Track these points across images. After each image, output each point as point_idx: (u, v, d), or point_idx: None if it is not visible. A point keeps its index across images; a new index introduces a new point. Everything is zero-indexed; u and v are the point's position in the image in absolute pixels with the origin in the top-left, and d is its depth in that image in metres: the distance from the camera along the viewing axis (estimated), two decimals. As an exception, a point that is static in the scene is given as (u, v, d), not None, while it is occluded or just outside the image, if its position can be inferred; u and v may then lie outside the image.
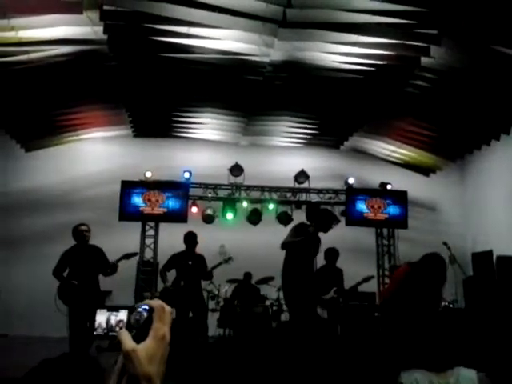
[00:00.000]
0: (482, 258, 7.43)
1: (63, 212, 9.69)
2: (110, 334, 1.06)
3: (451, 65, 7.18)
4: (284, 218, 9.37)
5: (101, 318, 1.04)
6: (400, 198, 9.46)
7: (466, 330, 5.16)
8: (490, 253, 7.28)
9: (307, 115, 9.65)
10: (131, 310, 0.88)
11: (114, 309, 1.08)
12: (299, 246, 5.46)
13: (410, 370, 1.88)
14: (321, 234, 5.89)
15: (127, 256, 6.09)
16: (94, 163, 10.36)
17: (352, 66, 7.46)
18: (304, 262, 5.49)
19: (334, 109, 9.19)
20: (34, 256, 9.37)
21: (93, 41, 6.84)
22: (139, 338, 0.84)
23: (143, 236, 8.71)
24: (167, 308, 0.88)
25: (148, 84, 8.35)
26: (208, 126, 10.28)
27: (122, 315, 1.08)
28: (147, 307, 0.88)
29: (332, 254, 7.01)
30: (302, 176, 9.57)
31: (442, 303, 5.79)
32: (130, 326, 0.87)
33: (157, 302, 0.88)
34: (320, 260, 6.38)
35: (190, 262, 6.41)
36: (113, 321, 1.09)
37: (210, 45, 7.05)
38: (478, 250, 8.18)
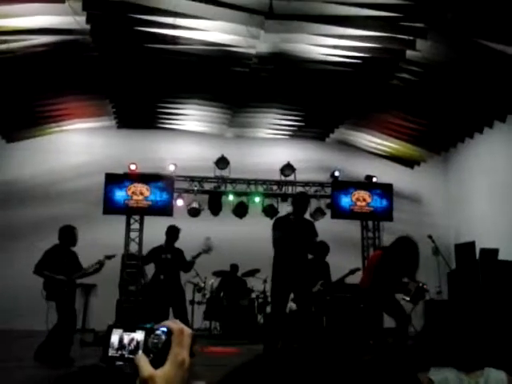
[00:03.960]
0: (465, 250, 7.53)
1: (45, 204, 9.55)
2: (127, 356, 1.00)
3: (436, 58, 7.21)
4: (270, 211, 9.36)
5: (115, 338, 0.99)
6: (385, 190, 9.52)
7: (450, 322, 5.22)
8: (472, 244, 7.39)
9: (293, 107, 9.63)
10: (149, 332, 0.83)
11: (130, 328, 1.03)
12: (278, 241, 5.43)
13: (440, 368, 1.85)
14: None
15: (108, 257, 6.01)
16: (77, 155, 10.20)
17: (338, 58, 7.45)
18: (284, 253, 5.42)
19: (320, 101, 9.18)
20: (13, 248, 9.23)
21: (75, 30, 6.70)
22: (157, 362, 0.79)
23: (128, 229, 8.61)
24: (187, 330, 0.84)
25: (132, 75, 8.22)
26: (193, 117, 10.19)
27: (137, 335, 1.02)
28: (166, 330, 0.82)
29: (321, 248, 7.00)
30: (287, 169, 9.55)
31: (427, 296, 5.85)
32: (147, 349, 0.82)
33: (176, 325, 0.83)
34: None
35: (168, 256, 6.36)
36: (126, 340, 1.04)
37: (196, 36, 6.97)
38: (462, 242, 8.30)
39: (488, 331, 2.09)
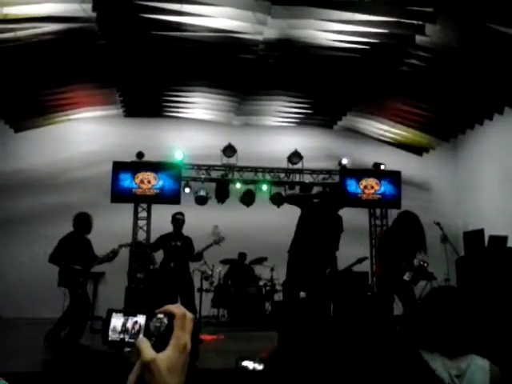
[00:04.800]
0: (474, 237, 7.48)
1: (53, 193, 9.61)
2: (127, 340, 1.01)
3: (446, 43, 7.09)
4: (277, 199, 9.36)
5: (115, 321, 0.99)
6: (393, 178, 9.46)
7: (458, 309, 5.21)
8: (481, 231, 7.33)
9: (301, 94, 9.55)
10: (150, 315, 0.83)
11: (131, 313, 1.04)
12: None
13: (425, 352, 1.87)
14: None
15: (121, 246, 6.05)
16: (84, 143, 10.22)
17: (346, 44, 7.36)
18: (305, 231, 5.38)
19: (328, 88, 9.10)
20: (24, 236, 9.33)
21: (81, 18, 6.66)
22: (159, 346, 0.79)
23: (136, 218, 8.66)
24: (189, 315, 0.83)
25: (139, 63, 8.18)
26: (200, 105, 10.16)
27: (140, 319, 1.03)
28: (168, 313, 0.82)
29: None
30: (295, 156, 9.53)
31: (435, 283, 5.85)
32: (149, 333, 0.81)
33: (178, 309, 0.83)
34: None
35: (178, 243, 6.37)
36: (129, 324, 1.04)
37: (203, 22, 6.91)
38: (470, 229, 8.24)
39: (479, 318, 2.08)
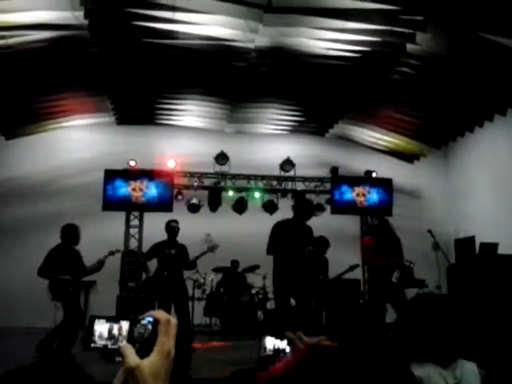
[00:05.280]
0: (465, 245, 7.51)
1: (45, 201, 9.54)
2: (110, 346, 1.00)
3: (436, 51, 7.17)
4: (270, 207, 9.35)
5: (99, 328, 0.97)
6: (385, 185, 9.49)
7: (449, 317, 5.23)
8: (472, 239, 7.36)
9: (293, 102, 9.59)
10: (134, 321, 0.83)
11: (114, 319, 1.02)
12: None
13: (420, 363, 1.85)
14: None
15: (112, 253, 6.03)
16: (76, 151, 10.18)
17: (338, 52, 7.42)
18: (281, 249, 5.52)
19: (320, 96, 9.15)
20: (15, 244, 9.24)
21: (73, 26, 6.67)
22: (143, 352, 0.79)
23: (127, 226, 8.60)
24: (173, 321, 0.83)
25: (131, 70, 8.19)
26: (192, 113, 10.17)
27: (124, 325, 1.01)
28: (152, 319, 0.82)
29: (321, 243, 6.99)
30: (287, 164, 9.54)
31: (427, 291, 5.89)
32: (133, 339, 0.81)
33: (162, 315, 0.83)
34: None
35: (172, 251, 6.33)
36: (114, 331, 1.02)
37: (194, 30, 6.94)
38: (461, 237, 8.28)
39: (469, 324, 2.08)
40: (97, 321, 0.87)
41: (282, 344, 1.34)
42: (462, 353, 1.92)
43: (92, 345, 0.86)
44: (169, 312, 6.00)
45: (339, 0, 6.16)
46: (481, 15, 6.22)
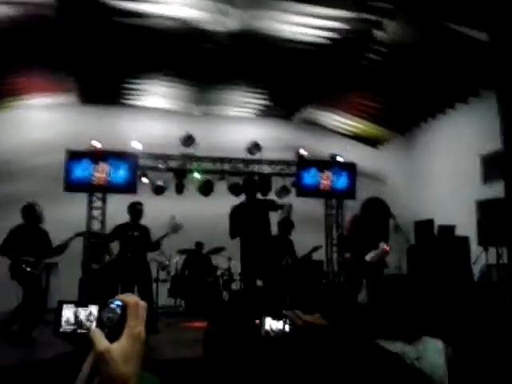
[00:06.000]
0: (424, 227, 7.79)
1: (4, 181, 9.23)
2: (79, 331, 0.98)
3: (403, 39, 7.28)
4: (235, 189, 9.37)
5: (68, 313, 0.95)
6: (349, 169, 9.66)
7: (408, 296, 5.42)
8: (431, 221, 7.64)
9: (261, 85, 9.57)
10: (103, 305, 0.82)
11: (83, 304, 0.99)
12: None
13: (389, 340, 1.90)
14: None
15: (78, 235, 5.94)
16: (38, 130, 9.86)
17: (307, 37, 7.43)
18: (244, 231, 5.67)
19: (288, 80, 9.16)
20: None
21: (40, 2, 6.39)
22: (113, 336, 0.78)
23: (90, 207, 8.45)
24: (142, 303, 0.83)
25: (97, 49, 7.94)
26: (160, 94, 9.99)
27: (92, 309, 0.99)
28: (120, 303, 0.81)
29: (285, 224, 7.08)
30: (254, 147, 9.56)
31: (386, 271, 6.04)
32: (102, 323, 0.80)
33: (131, 298, 0.82)
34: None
35: (136, 233, 6.27)
36: (82, 316, 0.99)
37: (163, 10, 6.79)
38: (421, 219, 8.55)
39: (429, 303, 2.17)
40: (65, 306, 0.86)
41: (279, 324, 1.41)
42: (427, 330, 2.00)
43: (61, 330, 0.85)
44: (132, 293, 5.98)
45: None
46: (447, 5, 6.34)
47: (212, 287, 8.14)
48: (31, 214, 5.71)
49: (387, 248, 5.61)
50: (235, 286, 8.43)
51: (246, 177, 7.57)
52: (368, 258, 5.39)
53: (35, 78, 8.91)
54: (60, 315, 0.85)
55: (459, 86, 8.60)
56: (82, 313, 0.85)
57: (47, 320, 6.17)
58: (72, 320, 0.85)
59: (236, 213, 5.81)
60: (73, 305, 0.86)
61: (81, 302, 0.86)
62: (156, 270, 7.40)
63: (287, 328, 1.42)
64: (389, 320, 2.02)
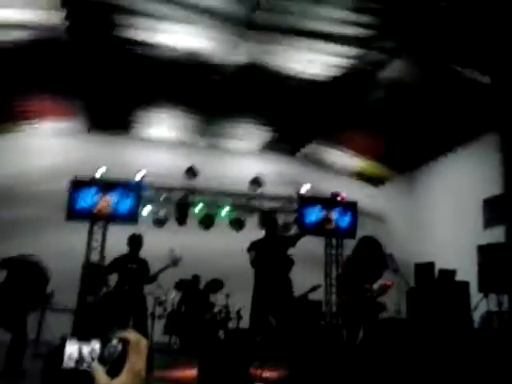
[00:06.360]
0: (424, 270, 7.70)
1: (6, 207, 9.22)
2: (81, 368, 0.97)
3: (407, 79, 7.41)
4: (237, 224, 9.37)
5: (71, 348, 0.94)
6: (350, 208, 9.66)
7: (408, 340, 5.33)
8: (431, 264, 7.56)
9: (266, 120, 9.69)
10: (104, 341, 0.83)
11: (85, 338, 0.99)
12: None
13: None
14: None
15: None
16: (43, 156, 9.91)
17: (313, 74, 7.56)
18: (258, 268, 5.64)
19: (293, 116, 9.28)
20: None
21: (52, 27, 6.54)
22: (113, 372, 0.80)
23: (90, 237, 8.44)
24: (143, 341, 0.84)
25: (107, 77, 8.08)
26: (166, 124, 10.11)
27: (95, 345, 0.98)
28: (122, 339, 0.82)
29: (286, 262, 7.02)
30: (256, 182, 9.60)
31: (386, 314, 5.98)
32: (103, 359, 0.81)
33: (132, 334, 0.83)
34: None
35: (134, 266, 6.23)
36: (85, 351, 0.99)
37: (174, 41, 6.94)
38: (422, 262, 8.46)
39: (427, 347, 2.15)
40: (68, 341, 0.86)
41: None
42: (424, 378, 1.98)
43: (63, 365, 0.85)
44: (126, 327, 5.88)
45: (318, 23, 6.30)
46: (450, 47, 6.49)
47: (208, 325, 8.01)
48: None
49: (389, 282, 5.59)
50: (232, 324, 8.29)
51: (267, 212, 7.64)
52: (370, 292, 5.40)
53: (45, 103, 9.04)
54: (63, 351, 0.85)
55: (461, 129, 8.69)
56: (85, 348, 0.84)
57: (38, 353, 6.06)
58: (75, 356, 0.84)
59: (255, 247, 5.84)
60: (75, 340, 0.86)
61: (83, 337, 0.86)
62: (152, 305, 7.31)
63: None
64: (381, 368, 1.99)
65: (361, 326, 5.50)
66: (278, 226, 6.27)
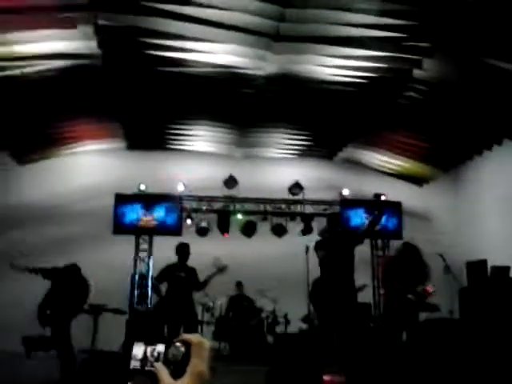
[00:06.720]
0: (477, 268, 7.43)
1: (56, 225, 9.61)
2: (147, 368, 1.02)
3: (443, 77, 7.26)
4: (279, 230, 9.36)
5: (137, 351, 1.00)
6: (394, 208, 9.48)
7: (461, 341, 5.15)
8: (483, 262, 7.29)
9: (301, 127, 9.70)
10: (169, 343, 0.87)
11: (150, 342, 1.05)
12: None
13: None
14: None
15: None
16: (87, 176, 10.31)
17: (345, 78, 7.53)
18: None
19: (328, 121, 9.25)
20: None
21: (87, 55, 6.86)
22: (176, 374, 0.82)
23: (137, 249, 8.65)
24: (206, 343, 0.86)
25: (142, 97, 8.37)
26: (202, 138, 10.31)
27: (159, 348, 1.03)
28: (185, 342, 0.86)
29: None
30: (296, 187, 9.59)
31: (438, 315, 5.84)
32: (167, 361, 0.85)
33: (195, 337, 0.86)
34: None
35: (182, 274, 6.33)
36: (149, 353, 1.04)
37: (204, 58, 7.10)
38: (473, 260, 8.17)
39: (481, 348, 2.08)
40: (135, 344, 0.90)
41: None
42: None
43: (131, 366, 0.89)
44: (177, 334, 5.96)
45: (347, 28, 6.28)
46: (485, 41, 6.31)
47: (256, 330, 8.02)
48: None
49: (430, 289, 5.52)
50: (279, 329, 8.27)
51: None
52: (411, 296, 5.37)
53: (84, 126, 9.42)
54: (130, 353, 0.89)
55: (505, 122, 8.39)
56: (150, 351, 0.88)
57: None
58: (140, 357, 0.88)
59: (323, 246, 5.77)
60: (142, 343, 0.89)
61: (149, 341, 0.90)
62: (201, 312, 7.40)
63: None
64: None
65: (401, 328, 5.42)
66: (338, 224, 6.19)
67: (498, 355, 4.63)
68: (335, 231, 5.90)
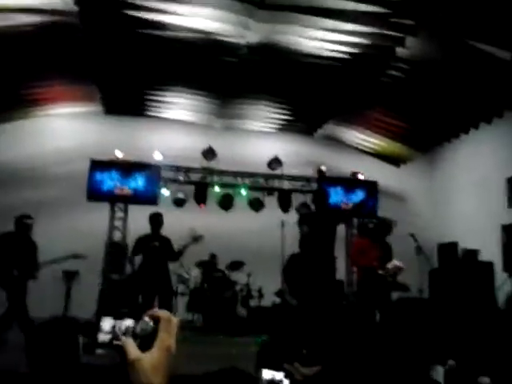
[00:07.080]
0: (447, 250, 7.63)
1: (29, 188, 9.35)
2: (115, 342, 1.00)
3: (425, 56, 7.22)
4: (256, 204, 9.35)
5: (105, 325, 0.97)
6: (370, 188, 9.56)
7: (430, 321, 5.29)
8: (454, 244, 7.49)
9: (282, 100, 9.59)
10: (137, 318, 0.89)
11: (119, 316, 1.03)
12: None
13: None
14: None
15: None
16: (62, 139, 10.01)
17: (329, 52, 7.42)
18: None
19: (309, 95, 9.16)
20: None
21: (63, 12, 6.54)
22: (144, 347, 0.85)
23: (112, 217, 8.52)
24: (174, 319, 0.89)
25: (120, 60, 8.08)
26: (181, 106, 10.09)
27: (128, 323, 1.01)
28: (154, 317, 0.88)
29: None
30: (275, 162, 9.55)
31: (408, 294, 5.99)
32: (135, 334, 0.88)
33: (164, 313, 0.89)
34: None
35: (156, 244, 6.25)
36: (118, 328, 1.02)
37: (185, 22, 6.87)
38: (445, 241, 8.39)
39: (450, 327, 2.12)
40: (103, 317, 0.93)
41: (278, 375, 1.41)
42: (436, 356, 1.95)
43: (99, 340, 0.91)
44: (152, 304, 5.95)
45: (331, 0, 6.15)
46: (470, 23, 6.29)
47: (229, 303, 8.08)
48: (20, 224, 5.69)
49: (399, 264, 5.66)
50: (253, 302, 8.36)
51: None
52: (381, 271, 5.49)
53: (59, 87, 9.08)
54: (98, 326, 0.92)
55: (483, 106, 8.47)
56: (118, 325, 0.90)
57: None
58: (108, 330, 0.91)
59: (307, 221, 5.73)
60: (111, 317, 0.92)
61: (118, 315, 0.92)
62: (176, 283, 7.38)
63: (286, 382, 1.44)
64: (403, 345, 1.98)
65: (374, 306, 5.52)
66: (326, 200, 6.17)
67: (463, 333, 4.78)
68: (322, 208, 5.87)
